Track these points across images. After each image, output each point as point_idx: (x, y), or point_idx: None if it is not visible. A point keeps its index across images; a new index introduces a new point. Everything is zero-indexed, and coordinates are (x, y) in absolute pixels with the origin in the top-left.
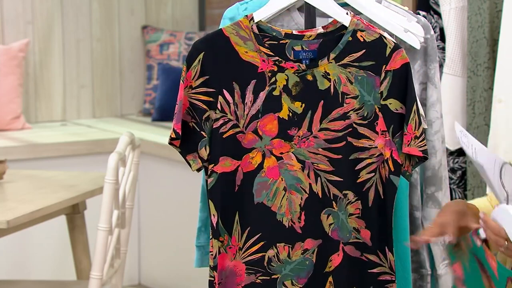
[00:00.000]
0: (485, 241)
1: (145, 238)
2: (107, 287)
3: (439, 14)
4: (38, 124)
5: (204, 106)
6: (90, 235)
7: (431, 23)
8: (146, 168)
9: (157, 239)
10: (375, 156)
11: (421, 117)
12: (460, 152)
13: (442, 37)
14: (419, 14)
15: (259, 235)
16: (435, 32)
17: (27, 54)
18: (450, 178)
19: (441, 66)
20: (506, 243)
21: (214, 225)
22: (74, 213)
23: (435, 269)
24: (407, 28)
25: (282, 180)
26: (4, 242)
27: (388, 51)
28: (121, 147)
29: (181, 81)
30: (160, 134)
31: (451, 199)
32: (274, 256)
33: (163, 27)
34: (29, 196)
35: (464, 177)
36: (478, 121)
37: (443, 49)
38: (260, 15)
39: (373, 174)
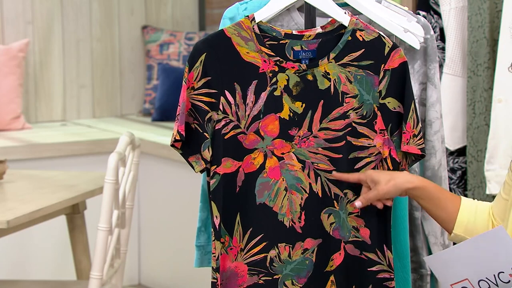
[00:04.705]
0: None
1: (145, 238)
2: (107, 287)
3: (439, 14)
4: (38, 124)
5: (206, 107)
6: (90, 235)
7: (431, 23)
8: (146, 168)
9: (157, 239)
10: (373, 155)
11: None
12: (460, 152)
13: (442, 37)
14: (419, 14)
15: (261, 235)
16: (435, 32)
17: (27, 54)
18: (450, 178)
19: (441, 66)
20: None
21: (217, 226)
22: (74, 213)
23: None
24: (407, 28)
25: (283, 180)
26: (4, 242)
27: (386, 50)
28: (121, 147)
29: (183, 82)
30: (160, 134)
31: None
32: (275, 256)
33: (163, 27)
34: (29, 196)
35: (464, 177)
36: (478, 121)
37: (443, 49)
38: (261, 16)
39: None
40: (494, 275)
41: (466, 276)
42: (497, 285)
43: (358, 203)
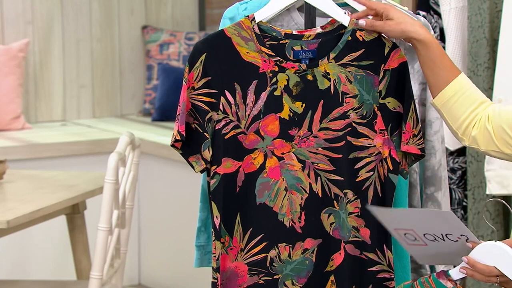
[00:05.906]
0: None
1: (145, 238)
2: (107, 287)
3: (439, 14)
4: (38, 124)
5: (206, 107)
6: (90, 235)
7: (431, 23)
8: (146, 168)
9: (157, 239)
10: (373, 155)
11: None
12: (460, 152)
13: (442, 37)
14: (419, 14)
15: (261, 235)
16: (435, 32)
17: (27, 54)
18: (450, 178)
19: None
20: (499, 278)
21: (217, 226)
22: (74, 213)
23: (434, 269)
24: None
25: (283, 180)
26: (4, 242)
27: (386, 50)
28: (121, 147)
29: (183, 82)
30: (160, 134)
31: (451, 199)
32: (276, 256)
33: (163, 27)
34: (29, 196)
35: (464, 177)
36: None
37: (443, 49)
38: (261, 16)
39: (372, 173)
40: (442, 234)
41: (412, 228)
42: (443, 240)
43: (361, 22)
